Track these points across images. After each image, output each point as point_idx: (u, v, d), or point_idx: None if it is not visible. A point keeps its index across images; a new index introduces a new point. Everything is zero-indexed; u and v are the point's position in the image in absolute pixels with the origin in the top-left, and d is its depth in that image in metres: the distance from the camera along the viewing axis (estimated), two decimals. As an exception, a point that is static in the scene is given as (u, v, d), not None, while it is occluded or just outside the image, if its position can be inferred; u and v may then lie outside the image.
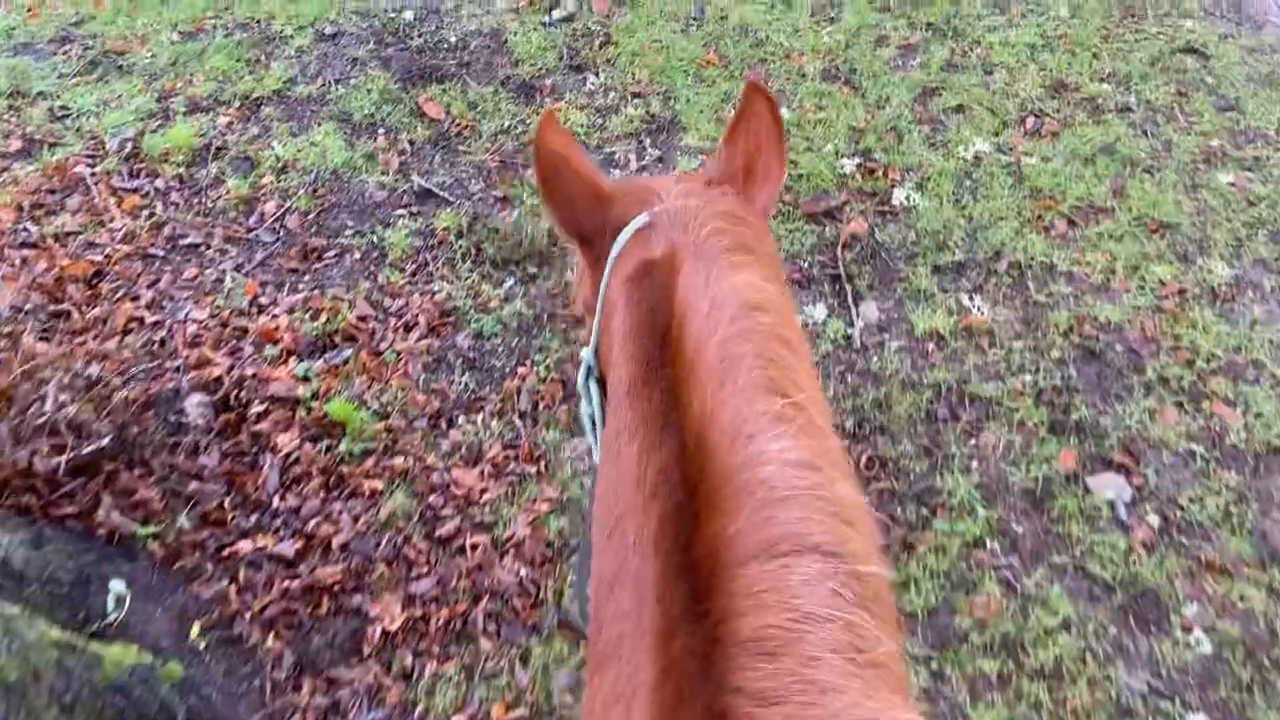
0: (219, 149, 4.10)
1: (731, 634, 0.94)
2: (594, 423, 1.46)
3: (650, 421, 1.13)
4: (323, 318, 3.39)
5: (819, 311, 3.40)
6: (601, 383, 1.43)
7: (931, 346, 3.29)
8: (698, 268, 1.26)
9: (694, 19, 4.71)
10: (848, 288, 3.48)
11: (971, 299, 3.43)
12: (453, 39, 4.70)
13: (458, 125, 4.21)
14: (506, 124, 4.22)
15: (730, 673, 0.92)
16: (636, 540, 1.07)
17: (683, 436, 1.09)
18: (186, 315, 3.41)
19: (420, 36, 4.73)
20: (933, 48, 4.50)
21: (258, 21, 4.87)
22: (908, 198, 3.79)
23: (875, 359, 3.25)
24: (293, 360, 3.26)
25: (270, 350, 3.26)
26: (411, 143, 4.13)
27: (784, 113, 4.15)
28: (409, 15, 4.87)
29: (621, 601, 1.07)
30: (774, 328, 1.20)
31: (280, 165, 4.03)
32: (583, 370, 1.45)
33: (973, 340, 3.30)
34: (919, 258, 3.58)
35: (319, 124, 4.21)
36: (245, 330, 3.35)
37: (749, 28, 4.65)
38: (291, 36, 4.73)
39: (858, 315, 3.38)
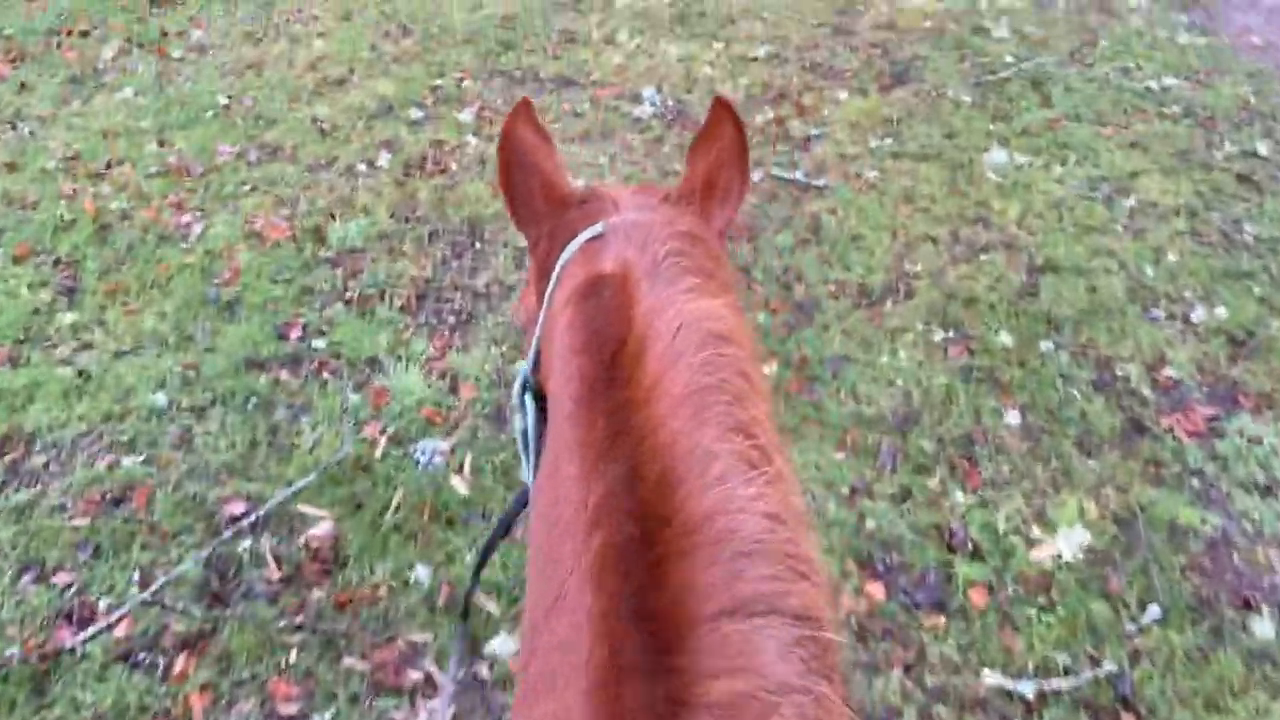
0: None
1: (701, 697, 0.90)
2: (527, 439, 1.43)
3: (594, 445, 1.10)
4: None
5: None
6: (538, 398, 1.40)
7: None
8: (657, 288, 1.22)
9: None
10: None
11: None
12: None
13: None
14: None
15: None
16: (575, 568, 1.04)
17: (634, 465, 1.05)
18: None
19: None
20: None
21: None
22: None
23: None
24: None
25: None
26: None
27: None
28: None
29: (558, 631, 1.03)
30: (738, 361, 1.16)
31: None
32: (518, 383, 1.44)
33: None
34: None
35: None
36: None
37: None
38: None
39: None
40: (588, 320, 1.22)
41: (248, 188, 5.27)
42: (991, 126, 5.47)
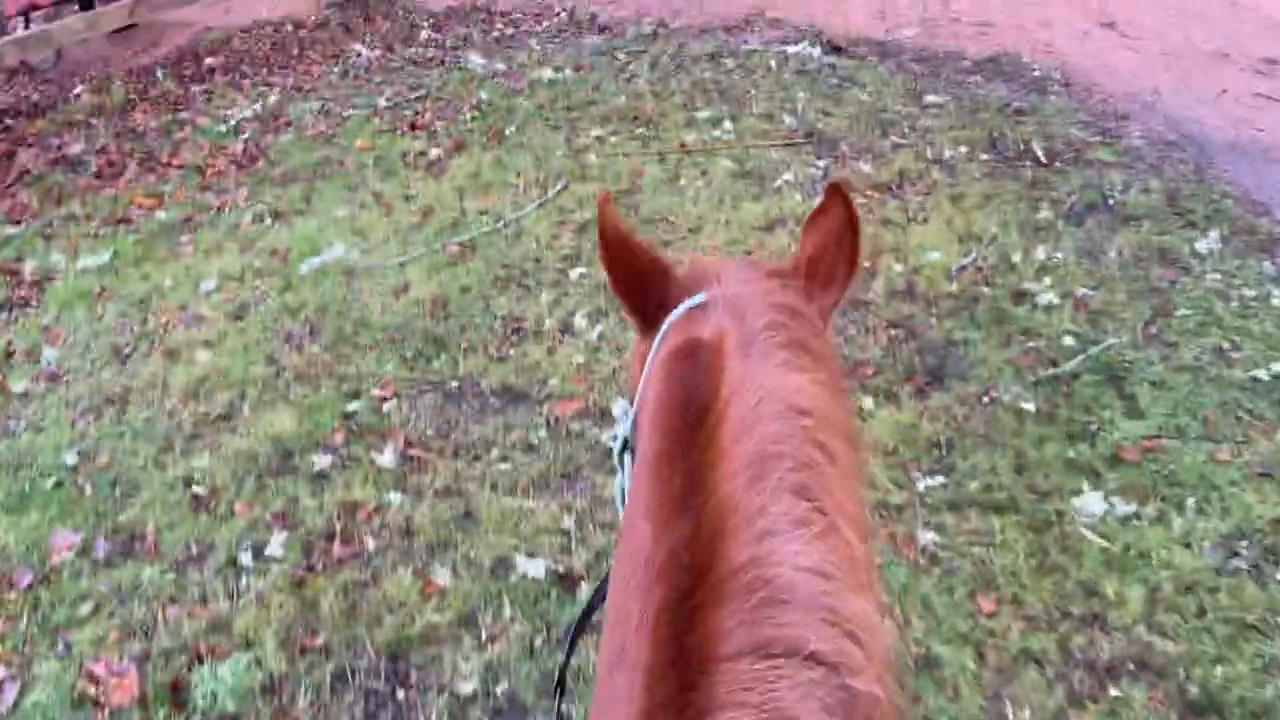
0: None
1: None
2: (624, 496, 1.51)
3: (668, 502, 1.17)
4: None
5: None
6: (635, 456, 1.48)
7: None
8: (749, 358, 1.29)
9: None
10: None
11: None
12: None
13: None
14: None
15: None
16: (639, 624, 1.10)
17: (698, 522, 1.11)
18: None
19: None
20: None
21: None
22: None
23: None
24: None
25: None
26: None
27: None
28: None
29: (618, 686, 1.09)
30: (814, 432, 1.23)
31: None
32: (619, 443, 1.56)
33: None
34: None
35: None
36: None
37: None
38: None
39: None
40: (679, 381, 1.30)
41: (89, 607, 3.96)
42: (1072, 452, 4.29)
